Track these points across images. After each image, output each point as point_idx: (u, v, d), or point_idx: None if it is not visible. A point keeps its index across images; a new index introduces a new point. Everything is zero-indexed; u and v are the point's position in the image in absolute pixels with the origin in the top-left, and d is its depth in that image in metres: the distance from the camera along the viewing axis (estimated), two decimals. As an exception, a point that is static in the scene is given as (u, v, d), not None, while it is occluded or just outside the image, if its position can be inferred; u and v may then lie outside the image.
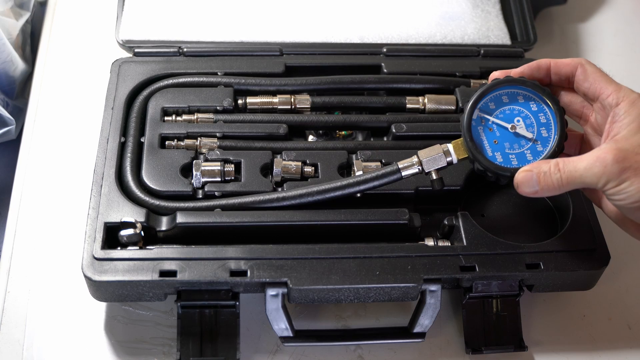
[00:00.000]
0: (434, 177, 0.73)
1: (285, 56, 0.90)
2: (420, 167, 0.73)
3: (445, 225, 0.76)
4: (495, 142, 0.71)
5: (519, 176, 0.68)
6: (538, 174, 0.67)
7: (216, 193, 0.76)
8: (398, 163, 0.73)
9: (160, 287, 0.70)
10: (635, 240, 0.85)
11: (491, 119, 0.72)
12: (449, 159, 0.73)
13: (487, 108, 0.72)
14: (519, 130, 0.71)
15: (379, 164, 0.79)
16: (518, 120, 0.72)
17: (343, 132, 0.86)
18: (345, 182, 0.74)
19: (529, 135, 0.71)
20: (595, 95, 0.70)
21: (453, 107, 0.86)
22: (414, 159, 0.73)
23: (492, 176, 0.72)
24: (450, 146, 0.73)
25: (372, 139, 0.85)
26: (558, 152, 0.70)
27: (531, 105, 0.72)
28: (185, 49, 0.89)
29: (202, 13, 0.93)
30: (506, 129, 0.72)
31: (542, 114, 0.72)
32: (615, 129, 0.67)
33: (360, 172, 0.78)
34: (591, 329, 0.79)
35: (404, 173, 0.73)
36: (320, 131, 0.86)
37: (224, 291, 0.71)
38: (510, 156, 0.71)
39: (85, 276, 0.69)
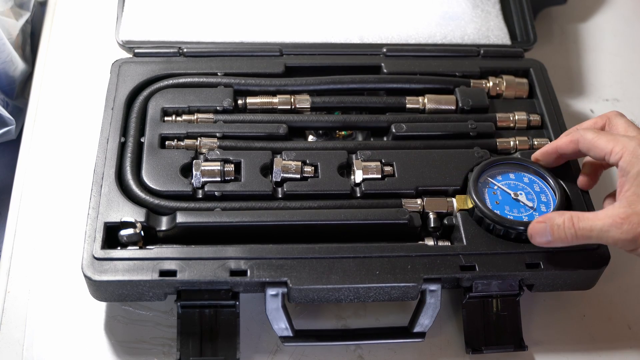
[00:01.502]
0: (432, 217, 0.76)
1: (285, 56, 0.90)
2: (422, 208, 0.77)
3: (445, 225, 0.77)
4: (497, 202, 0.76)
5: (532, 227, 0.71)
6: (551, 227, 0.69)
7: (216, 193, 0.76)
8: (402, 200, 0.77)
9: (160, 286, 0.70)
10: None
11: (497, 184, 0.77)
12: (450, 210, 0.77)
13: (494, 176, 0.78)
14: (520, 198, 0.76)
15: (378, 163, 0.79)
16: (521, 193, 0.77)
17: (343, 132, 0.86)
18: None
19: (529, 204, 0.76)
20: (601, 159, 0.71)
21: (453, 107, 0.87)
22: (418, 200, 0.77)
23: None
24: (454, 200, 0.77)
25: (372, 139, 0.85)
26: None
27: (534, 187, 0.78)
28: (185, 50, 0.89)
29: (202, 13, 0.93)
30: (509, 195, 0.76)
31: (543, 195, 0.77)
32: (623, 183, 0.68)
33: (360, 172, 0.78)
34: (591, 329, 0.79)
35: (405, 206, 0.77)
36: (320, 131, 0.86)
37: (224, 291, 0.71)
38: (508, 216, 0.75)
39: (85, 276, 0.69)
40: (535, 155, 0.79)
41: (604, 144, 0.70)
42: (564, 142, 0.75)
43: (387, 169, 0.79)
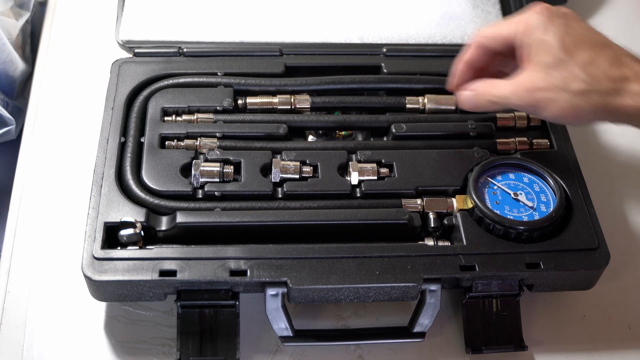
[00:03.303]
0: (432, 217, 0.76)
1: (285, 56, 0.90)
2: (422, 208, 0.77)
3: (445, 225, 0.77)
4: (497, 202, 0.76)
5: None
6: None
7: (216, 193, 0.76)
8: (402, 200, 0.77)
9: (160, 286, 0.70)
10: (635, 240, 0.85)
11: (497, 184, 0.78)
12: (450, 210, 0.77)
13: (494, 176, 0.79)
14: (520, 198, 0.77)
15: (374, 165, 0.79)
16: (520, 193, 0.77)
17: (343, 132, 0.86)
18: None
19: (529, 204, 0.77)
20: (510, 46, 0.74)
21: (453, 107, 0.86)
22: (418, 200, 0.77)
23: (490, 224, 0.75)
24: (454, 200, 0.77)
25: (372, 139, 0.85)
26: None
27: (534, 187, 0.78)
28: (185, 49, 0.89)
29: (202, 13, 0.93)
30: (509, 195, 0.76)
31: (543, 195, 0.78)
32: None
33: (356, 173, 0.78)
34: (591, 329, 0.79)
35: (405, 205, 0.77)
36: (320, 131, 0.86)
37: (224, 291, 0.71)
38: (508, 216, 0.75)
39: (85, 276, 0.69)
40: (451, 82, 0.80)
41: (506, 28, 0.74)
42: (470, 53, 0.78)
43: (385, 169, 0.79)
